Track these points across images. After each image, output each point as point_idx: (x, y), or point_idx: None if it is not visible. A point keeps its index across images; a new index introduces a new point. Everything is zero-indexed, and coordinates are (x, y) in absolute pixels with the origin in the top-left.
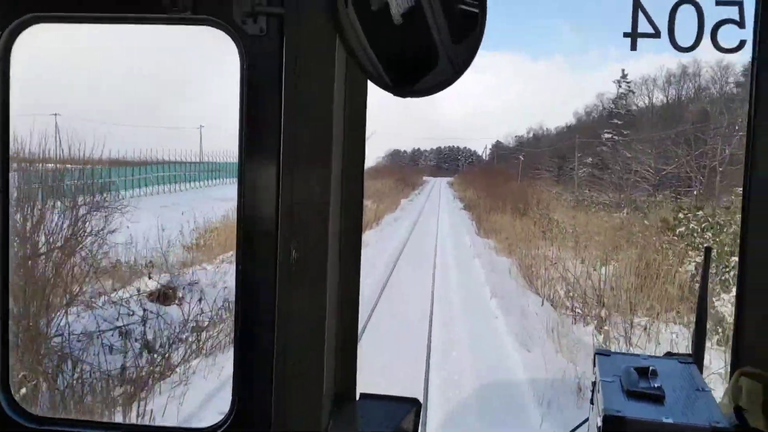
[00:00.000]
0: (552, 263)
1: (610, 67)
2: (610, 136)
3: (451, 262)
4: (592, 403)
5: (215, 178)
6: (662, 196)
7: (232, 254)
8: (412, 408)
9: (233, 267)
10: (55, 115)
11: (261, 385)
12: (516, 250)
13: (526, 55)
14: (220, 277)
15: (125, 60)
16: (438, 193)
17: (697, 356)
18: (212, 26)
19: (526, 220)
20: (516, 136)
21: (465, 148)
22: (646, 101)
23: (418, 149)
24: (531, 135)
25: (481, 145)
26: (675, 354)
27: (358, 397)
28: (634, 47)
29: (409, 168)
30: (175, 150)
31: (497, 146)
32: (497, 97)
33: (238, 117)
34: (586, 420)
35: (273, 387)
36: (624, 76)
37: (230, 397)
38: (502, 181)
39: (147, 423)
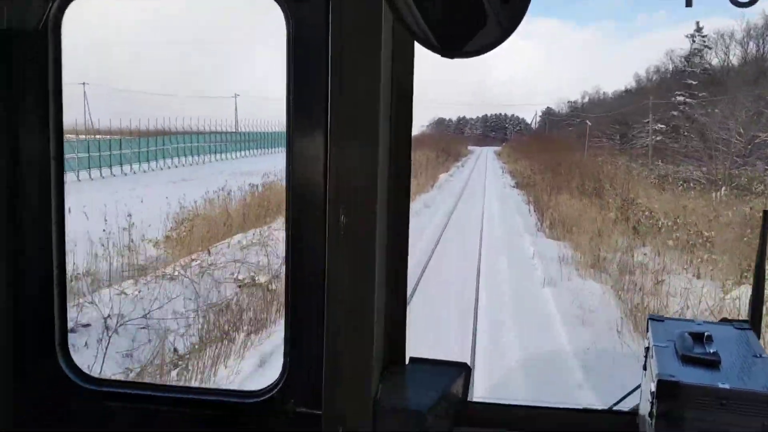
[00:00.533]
0: (657, 280)
1: (662, 31)
2: (683, 98)
3: (507, 302)
4: (644, 369)
5: (249, 149)
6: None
7: (201, 257)
8: (461, 372)
9: (177, 286)
10: (84, 84)
11: (312, 349)
12: (606, 262)
13: (573, 22)
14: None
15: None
16: (484, 166)
17: (754, 322)
18: None
19: (602, 204)
20: (569, 102)
21: (513, 115)
22: (723, 57)
23: (464, 117)
24: (586, 100)
25: (528, 113)
26: (731, 320)
27: (407, 362)
28: (689, 3)
29: (454, 137)
30: (207, 119)
31: (548, 113)
32: (545, 64)
33: (285, 84)
34: (638, 387)
35: (324, 351)
36: (699, 29)
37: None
38: (558, 150)
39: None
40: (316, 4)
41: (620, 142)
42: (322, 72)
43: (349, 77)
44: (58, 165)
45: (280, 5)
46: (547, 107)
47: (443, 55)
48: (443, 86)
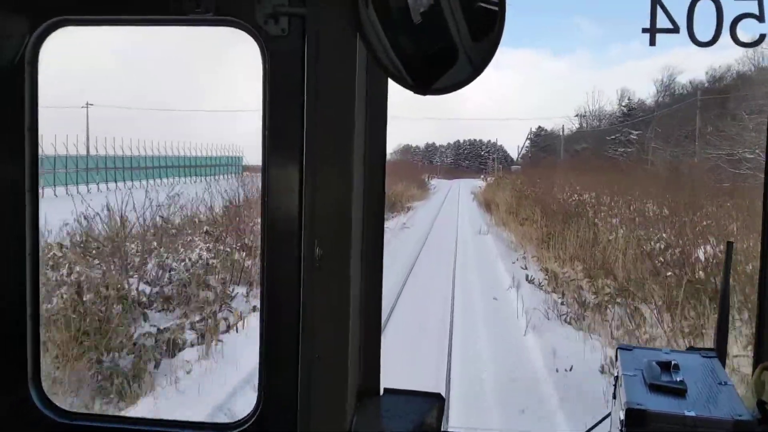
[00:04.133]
0: None
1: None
2: None
3: None
4: (614, 397)
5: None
6: None
7: None
8: (435, 403)
9: None
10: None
11: (287, 381)
12: None
13: (548, 51)
14: None
15: None
16: (451, 244)
17: (719, 350)
18: (234, 27)
19: None
20: (579, 115)
21: (489, 141)
22: None
23: (433, 144)
24: (632, 101)
25: (507, 140)
26: (697, 348)
27: (381, 392)
28: (653, 42)
29: (412, 166)
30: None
31: (544, 134)
32: (520, 92)
33: (261, 118)
34: (608, 415)
35: (298, 383)
36: None
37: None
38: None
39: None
40: (291, 39)
41: None
42: (297, 105)
43: (324, 110)
44: (33, 198)
45: (256, 41)
46: (539, 126)
47: (415, 91)
48: (413, 111)
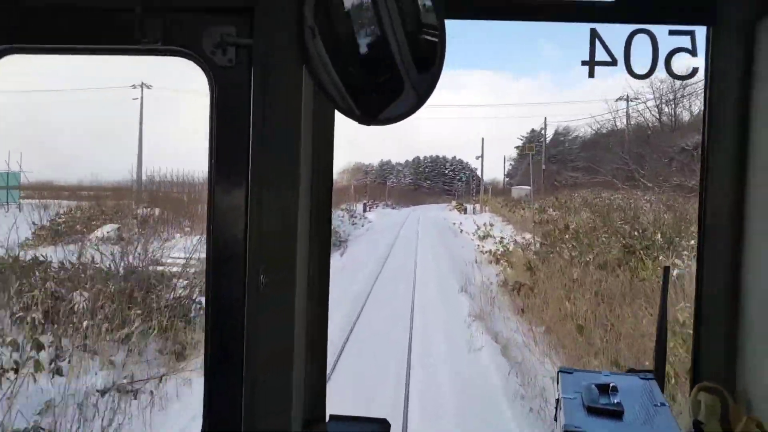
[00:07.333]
0: None
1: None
2: None
3: None
4: (555, 420)
5: None
6: None
7: None
8: (381, 428)
9: None
10: None
11: (232, 409)
12: None
13: (510, 74)
14: None
15: None
16: None
17: (657, 372)
18: (182, 57)
19: None
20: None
21: (455, 158)
22: None
23: (388, 161)
24: None
25: (469, 155)
26: (637, 370)
27: (327, 419)
28: (591, 74)
29: (343, 191)
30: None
31: (542, 140)
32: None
33: (207, 144)
34: None
35: (242, 412)
36: None
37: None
38: None
39: None
40: (238, 69)
41: None
42: (244, 134)
43: (270, 139)
44: None
45: (204, 70)
46: (531, 129)
47: (361, 122)
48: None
